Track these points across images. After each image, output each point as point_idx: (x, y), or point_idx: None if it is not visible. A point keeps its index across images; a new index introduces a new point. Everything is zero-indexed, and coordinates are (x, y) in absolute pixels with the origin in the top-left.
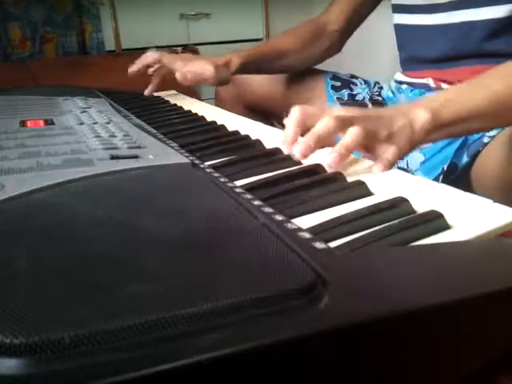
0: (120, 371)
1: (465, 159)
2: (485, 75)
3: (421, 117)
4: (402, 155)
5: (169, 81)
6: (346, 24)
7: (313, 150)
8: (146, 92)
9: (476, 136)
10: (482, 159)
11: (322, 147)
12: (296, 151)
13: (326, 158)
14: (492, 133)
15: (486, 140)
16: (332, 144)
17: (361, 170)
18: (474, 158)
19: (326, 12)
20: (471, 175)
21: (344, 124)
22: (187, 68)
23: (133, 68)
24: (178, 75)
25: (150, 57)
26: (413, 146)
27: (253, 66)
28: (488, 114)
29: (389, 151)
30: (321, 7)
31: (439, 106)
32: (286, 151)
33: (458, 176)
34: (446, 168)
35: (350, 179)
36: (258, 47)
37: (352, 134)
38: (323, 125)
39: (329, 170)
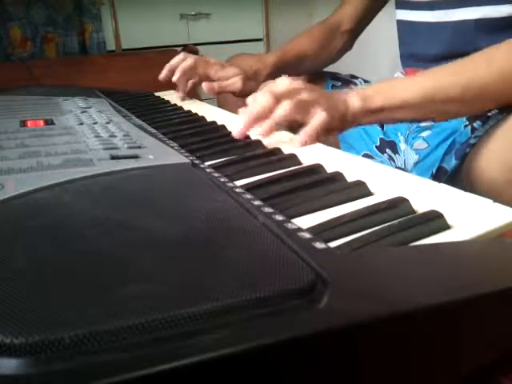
0: (120, 371)
1: (453, 162)
2: (423, 72)
3: (353, 100)
4: (333, 127)
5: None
6: (357, 23)
7: (251, 125)
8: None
9: (463, 138)
10: (470, 160)
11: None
12: (234, 129)
13: (256, 129)
14: (478, 133)
15: (472, 141)
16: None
17: (358, 169)
18: (462, 160)
19: (338, 12)
20: (462, 177)
21: (278, 101)
22: (218, 75)
23: (176, 77)
24: (204, 86)
25: (186, 65)
26: (345, 124)
27: (277, 74)
28: (415, 106)
29: (316, 117)
30: (321, 7)
31: (371, 93)
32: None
33: (448, 179)
34: (434, 172)
35: (349, 179)
36: (282, 53)
37: (283, 108)
38: (258, 104)
39: (259, 138)
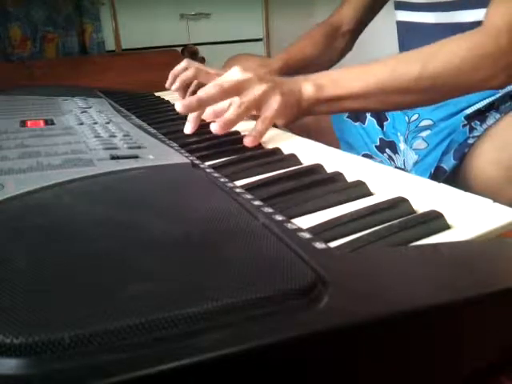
0: (120, 371)
1: (452, 162)
2: (378, 61)
3: (307, 89)
4: (288, 115)
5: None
6: (358, 23)
7: (194, 109)
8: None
9: (461, 138)
10: (469, 160)
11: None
12: (178, 106)
13: (212, 127)
14: (476, 133)
15: (470, 141)
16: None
17: (358, 169)
18: (460, 160)
19: (337, 13)
20: (460, 177)
21: (226, 94)
22: None
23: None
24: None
25: (186, 77)
26: (301, 111)
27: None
28: (367, 96)
29: (269, 108)
30: (321, 7)
31: (324, 82)
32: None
33: (446, 179)
34: (432, 172)
35: (349, 179)
36: (287, 58)
37: (230, 113)
38: (206, 92)
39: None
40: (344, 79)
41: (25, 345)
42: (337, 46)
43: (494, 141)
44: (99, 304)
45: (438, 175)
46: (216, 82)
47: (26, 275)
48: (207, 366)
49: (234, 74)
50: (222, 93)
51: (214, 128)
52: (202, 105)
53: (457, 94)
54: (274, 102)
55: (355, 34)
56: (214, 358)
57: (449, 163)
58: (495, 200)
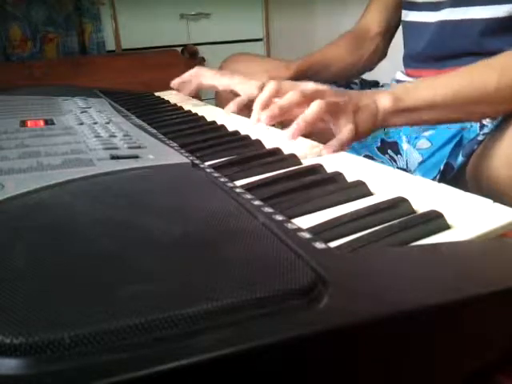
0: (120, 371)
1: (460, 159)
2: (452, 72)
3: (383, 99)
4: (363, 133)
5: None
6: (386, 26)
7: (277, 117)
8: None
9: (471, 135)
10: (477, 157)
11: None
12: (262, 117)
13: (286, 133)
14: (486, 130)
15: (480, 138)
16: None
17: (358, 169)
18: (469, 157)
19: (363, 18)
20: (469, 176)
21: (307, 99)
22: (236, 90)
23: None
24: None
25: (190, 72)
26: (376, 124)
27: (301, 79)
28: (445, 106)
29: (344, 131)
30: (321, 7)
31: (401, 93)
32: (255, 118)
33: (454, 176)
34: (442, 169)
35: (349, 179)
36: (307, 59)
37: (313, 107)
38: (286, 98)
39: (288, 143)
40: (420, 90)
41: (25, 345)
42: (365, 50)
43: (504, 138)
44: (99, 304)
45: (446, 172)
46: (296, 89)
47: (26, 275)
48: (207, 366)
49: (310, 84)
50: (303, 98)
51: (292, 129)
52: (284, 112)
53: None
54: (349, 123)
55: (386, 36)
56: (214, 358)
57: (457, 160)
58: (503, 198)
